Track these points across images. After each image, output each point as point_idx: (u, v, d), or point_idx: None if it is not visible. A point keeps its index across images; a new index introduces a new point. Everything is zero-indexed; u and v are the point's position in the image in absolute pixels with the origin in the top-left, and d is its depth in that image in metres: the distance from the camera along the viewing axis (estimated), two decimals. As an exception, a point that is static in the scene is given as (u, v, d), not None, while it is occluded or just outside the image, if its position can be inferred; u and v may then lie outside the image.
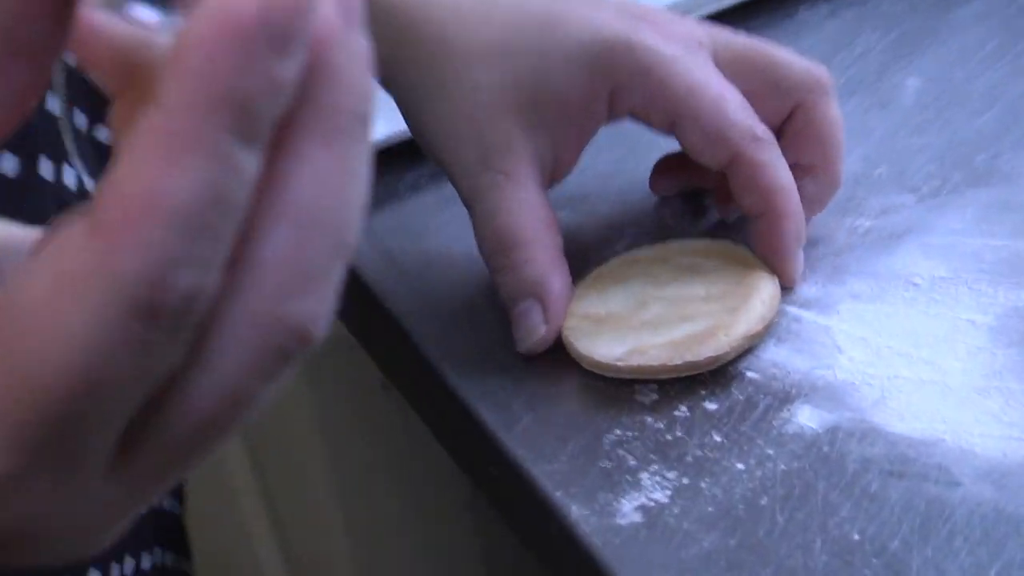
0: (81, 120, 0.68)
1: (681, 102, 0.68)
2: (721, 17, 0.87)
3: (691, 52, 0.68)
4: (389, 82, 0.73)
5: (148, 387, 0.33)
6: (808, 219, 0.71)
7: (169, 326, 0.32)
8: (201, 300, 0.32)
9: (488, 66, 0.70)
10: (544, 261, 0.69)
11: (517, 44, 0.70)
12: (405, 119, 0.74)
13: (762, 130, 0.68)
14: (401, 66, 0.72)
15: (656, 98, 0.69)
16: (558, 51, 0.69)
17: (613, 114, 0.71)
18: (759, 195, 0.69)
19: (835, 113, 0.71)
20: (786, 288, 0.70)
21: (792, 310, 0.70)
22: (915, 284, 0.70)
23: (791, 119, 0.71)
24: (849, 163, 0.77)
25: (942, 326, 0.68)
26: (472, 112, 0.70)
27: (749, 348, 0.68)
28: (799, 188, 0.70)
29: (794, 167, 0.70)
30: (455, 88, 0.70)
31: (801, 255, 0.70)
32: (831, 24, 0.87)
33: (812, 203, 0.71)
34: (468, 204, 0.71)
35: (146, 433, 0.34)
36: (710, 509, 0.62)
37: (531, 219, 0.69)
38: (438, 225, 0.79)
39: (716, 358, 0.66)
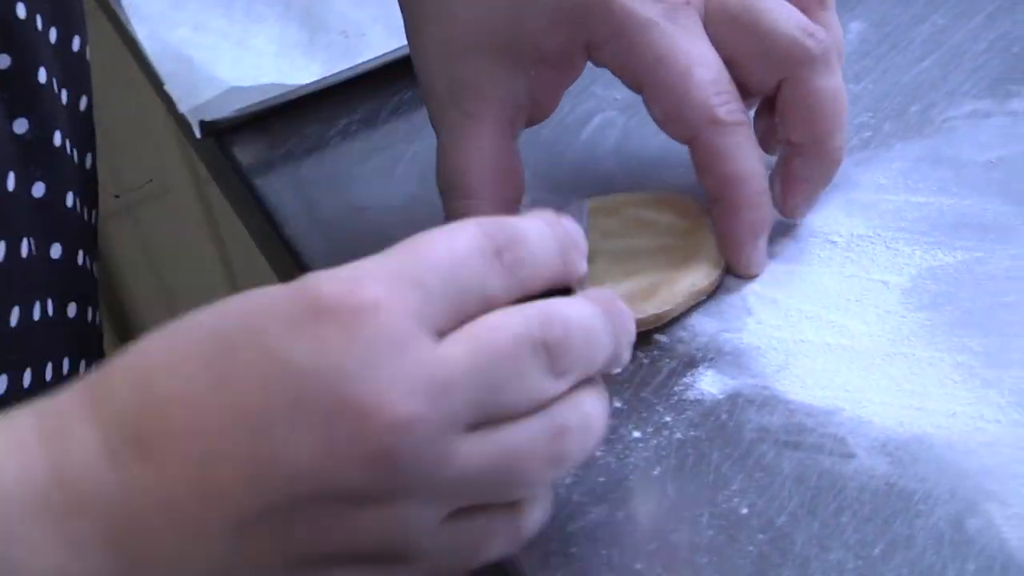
0: None
1: (647, 71, 0.65)
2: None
3: (670, 16, 0.65)
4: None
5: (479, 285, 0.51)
6: (806, 198, 0.69)
7: (503, 252, 0.51)
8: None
9: (468, 3, 0.68)
10: (488, 214, 0.64)
11: None
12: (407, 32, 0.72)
13: (726, 111, 0.65)
14: None
15: (626, 62, 0.67)
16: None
17: (594, 63, 0.69)
18: (715, 181, 0.66)
19: (826, 86, 0.67)
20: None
21: (707, 269, 0.68)
22: (833, 243, 0.69)
23: (780, 92, 0.68)
24: (781, 112, 0.75)
25: (854, 287, 0.67)
26: (448, 45, 0.69)
27: (696, 304, 0.67)
28: (788, 166, 0.68)
29: (787, 143, 0.68)
30: (436, 19, 0.69)
31: (759, 245, 0.68)
32: (781, -38, 0.85)
33: (803, 182, 0.69)
34: (436, 133, 0.69)
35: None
36: (602, 479, 0.61)
37: (485, 168, 0.67)
38: (362, 174, 0.78)
39: (659, 316, 0.66)
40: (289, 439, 0.47)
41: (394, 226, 0.69)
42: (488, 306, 0.51)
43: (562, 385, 0.52)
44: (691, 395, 0.63)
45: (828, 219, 0.70)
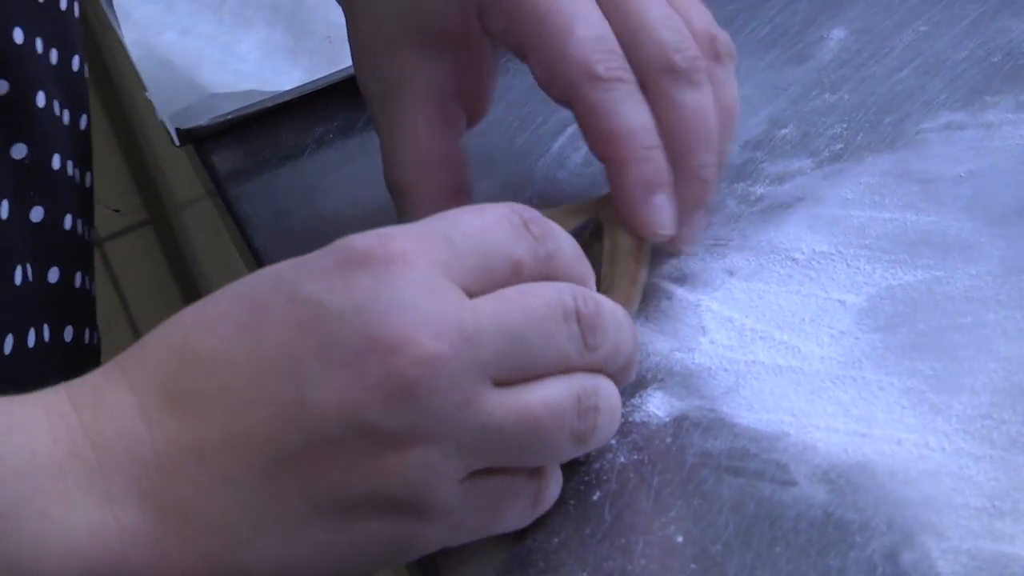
0: None
1: (528, 31, 0.63)
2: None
3: None
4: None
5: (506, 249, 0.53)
6: (680, 220, 0.65)
7: (530, 225, 0.55)
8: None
9: None
10: (429, 206, 0.62)
11: None
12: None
13: (605, 67, 0.62)
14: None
15: (509, 24, 0.64)
16: None
17: (489, 37, 0.67)
18: (597, 140, 0.63)
19: (688, 102, 0.63)
20: (665, 249, 0.68)
21: (665, 285, 0.68)
22: (794, 259, 0.68)
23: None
24: (754, 124, 0.75)
25: (810, 307, 0.66)
26: (372, 42, 0.68)
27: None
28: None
29: None
30: (360, 18, 0.69)
31: (656, 204, 0.63)
32: (769, -34, 0.84)
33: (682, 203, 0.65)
34: (377, 136, 0.69)
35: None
36: (541, 504, 0.60)
37: (422, 161, 0.67)
38: (335, 185, 0.78)
39: None
40: (320, 379, 0.49)
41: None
42: (516, 272, 0.53)
43: (592, 358, 0.54)
44: (637, 417, 0.63)
45: (791, 235, 0.69)
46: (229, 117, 0.80)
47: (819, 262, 0.67)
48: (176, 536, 0.50)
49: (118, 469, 0.50)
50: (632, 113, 0.63)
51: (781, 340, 0.64)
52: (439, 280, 0.51)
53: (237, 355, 0.50)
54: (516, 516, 0.56)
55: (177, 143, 0.80)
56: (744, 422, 0.62)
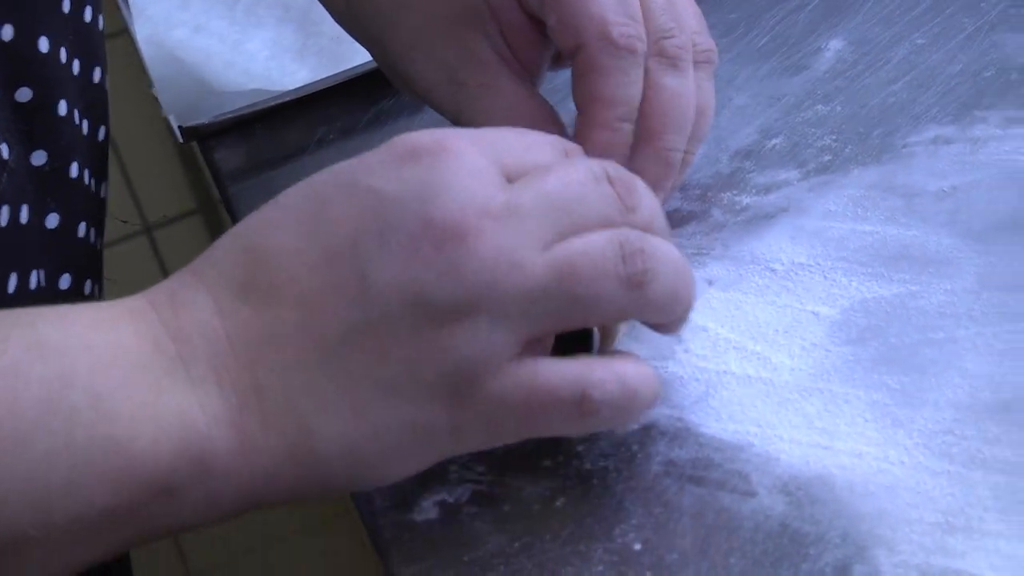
0: None
1: None
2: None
3: None
4: (353, 25, 0.74)
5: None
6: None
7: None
8: None
9: None
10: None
11: None
12: (372, 51, 0.74)
13: (620, 32, 0.64)
14: (359, 8, 0.72)
15: None
16: None
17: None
18: (583, 95, 0.65)
19: (669, 85, 0.65)
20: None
21: (646, 294, 0.68)
22: (773, 270, 0.69)
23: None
24: (745, 134, 0.75)
25: (785, 318, 0.66)
26: (429, 37, 0.69)
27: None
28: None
29: None
30: (407, 19, 0.70)
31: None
32: (773, -25, 0.85)
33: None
34: (458, 123, 0.70)
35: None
36: (506, 508, 0.62)
37: (524, 119, 0.67)
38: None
39: None
40: (380, 261, 0.53)
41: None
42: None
43: (633, 217, 0.57)
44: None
45: (772, 245, 0.69)
46: (232, 115, 0.82)
47: (797, 273, 0.68)
48: (254, 417, 0.53)
49: (198, 359, 0.54)
50: (628, 85, 0.64)
51: (753, 351, 0.65)
52: (487, 168, 0.55)
53: (303, 246, 0.54)
54: (560, 421, 0.57)
55: (181, 140, 0.82)
56: (710, 432, 0.62)
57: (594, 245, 0.55)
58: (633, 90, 0.64)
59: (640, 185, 0.58)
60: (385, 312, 0.53)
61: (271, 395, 0.54)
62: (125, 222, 1.31)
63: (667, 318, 0.59)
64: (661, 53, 0.65)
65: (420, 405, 0.54)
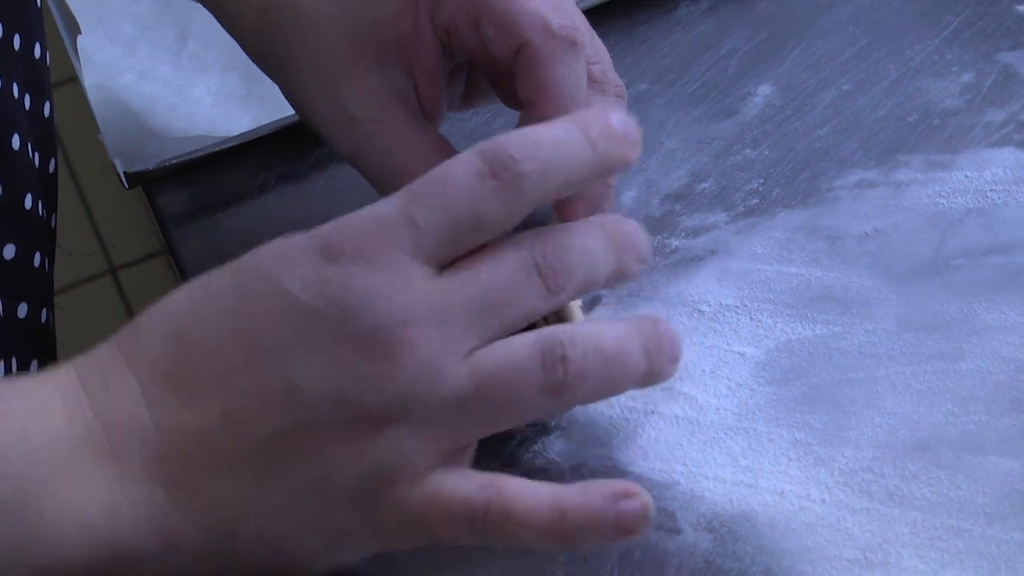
0: None
1: None
2: (598, 10, 0.87)
3: None
4: (260, 55, 0.75)
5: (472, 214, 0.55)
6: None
7: (499, 172, 0.55)
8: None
9: (327, 18, 0.70)
10: None
11: None
12: (278, 84, 0.74)
13: (560, 24, 0.64)
14: (265, 37, 0.73)
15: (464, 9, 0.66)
16: None
17: (446, 42, 0.68)
18: (532, 88, 0.65)
19: (556, 63, 0.64)
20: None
21: (577, 335, 0.70)
22: (700, 312, 0.70)
23: (517, 60, 0.65)
24: (676, 178, 0.77)
25: (712, 358, 0.68)
26: (326, 69, 0.70)
27: None
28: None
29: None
30: (308, 48, 0.71)
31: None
32: (706, 22, 0.87)
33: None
34: (352, 162, 0.70)
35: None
36: (442, 549, 0.63)
37: (416, 157, 0.68)
38: (275, 230, 0.80)
39: None
40: (305, 366, 0.53)
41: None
42: (483, 230, 0.56)
43: (559, 300, 0.57)
44: (539, 463, 0.65)
45: (700, 288, 0.71)
46: (176, 161, 0.83)
47: (724, 315, 0.70)
48: (180, 514, 0.54)
49: (128, 452, 0.54)
50: (572, 77, 0.65)
51: (681, 391, 0.67)
52: (407, 264, 0.54)
53: (227, 345, 0.55)
54: (460, 532, 0.57)
55: (126, 185, 0.83)
56: (638, 470, 0.64)
57: (516, 354, 0.55)
58: (579, 82, 0.65)
59: (569, 258, 0.58)
60: (311, 416, 0.54)
61: (197, 492, 0.54)
62: (70, 253, 1.32)
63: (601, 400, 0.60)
64: (590, 77, 0.66)
65: (339, 508, 0.55)
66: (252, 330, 0.55)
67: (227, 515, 0.55)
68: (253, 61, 0.75)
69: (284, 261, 0.55)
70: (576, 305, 0.65)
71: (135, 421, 0.54)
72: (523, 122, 0.65)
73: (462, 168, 0.56)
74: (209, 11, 0.77)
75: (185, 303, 0.56)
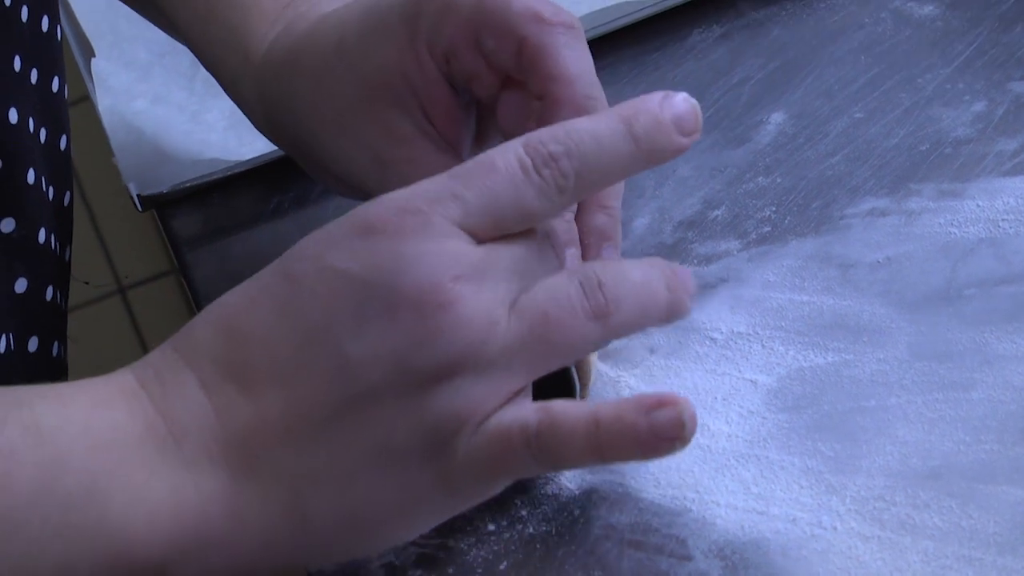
0: None
1: (473, 7, 0.65)
2: (611, 37, 0.87)
3: None
4: (267, 122, 0.75)
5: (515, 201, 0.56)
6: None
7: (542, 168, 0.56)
8: None
9: (330, 71, 0.70)
10: None
11: (345, 31, 0.70)
12: (290, 151, 0.75)
13: (552, 11, 0.64)
14: (270, 102, 0.74)
15: (456, 20, 0.66)
16: (376, 20, 0.69)
17: (445, 71, 0.68)
18: (539, 80, 0.64)
19: (558, 48, 0.64)
20: None
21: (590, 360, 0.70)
22: (713, 339, 0.70)
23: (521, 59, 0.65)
24: (688, 205, 0.77)
25: (723, 385, 0.68)
26: (342, 119, 0.70)
27: None
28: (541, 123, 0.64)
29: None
30: (317, 103, 0.71)
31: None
32: (718, 49, 0.87)
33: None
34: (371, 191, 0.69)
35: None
36: (450, 571, 0.63)
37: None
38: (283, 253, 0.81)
39: None
40: (358, 336, 0.54)
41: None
42: (526, 221, 0.57)
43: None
44: (550, 489, 0.65)
45: (712, 315, 0.71)
46: (189, 184, 0.83)
47: (736, 342, 0.70)
48: (247, 495, 0.54)
49: (189, 439, 0.54)
50: (580, 60, 0.64)
51: (692, 418, 0.66)
52: (451, 231, 0.55)
53: (278, 329, 0.55)
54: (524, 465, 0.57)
55: (140, 208, 0.84)
56: (649, 497, 0.64)
57: (558, 289, 0.56)
58: (586, 64, 0.64)
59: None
60: (368, 385, 0.54)
61: (263, 469, 0.55)
62: (87, 283, 1.33)
63: (644, 329, 0.61)
64: (538, 19, 0.65)
65: (408, 466, 0.56)
66: (300, 311, 0.55)
67: (294, 491, 0.55)
68: (259, 130, 0.76)
69: (328, 242, 0.56)
70: None
71: (195, 411, 0.55)
72: (543, 119, 0.65)
73: (505, 159, 0.56)
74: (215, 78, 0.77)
75: (235, 297, 0.57)
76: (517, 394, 0.56)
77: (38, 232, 0.73)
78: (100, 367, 0.60)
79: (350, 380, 0.54)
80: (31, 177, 0.71)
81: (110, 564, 0.54)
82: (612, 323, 0.56)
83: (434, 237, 0.55)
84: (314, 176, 0.75)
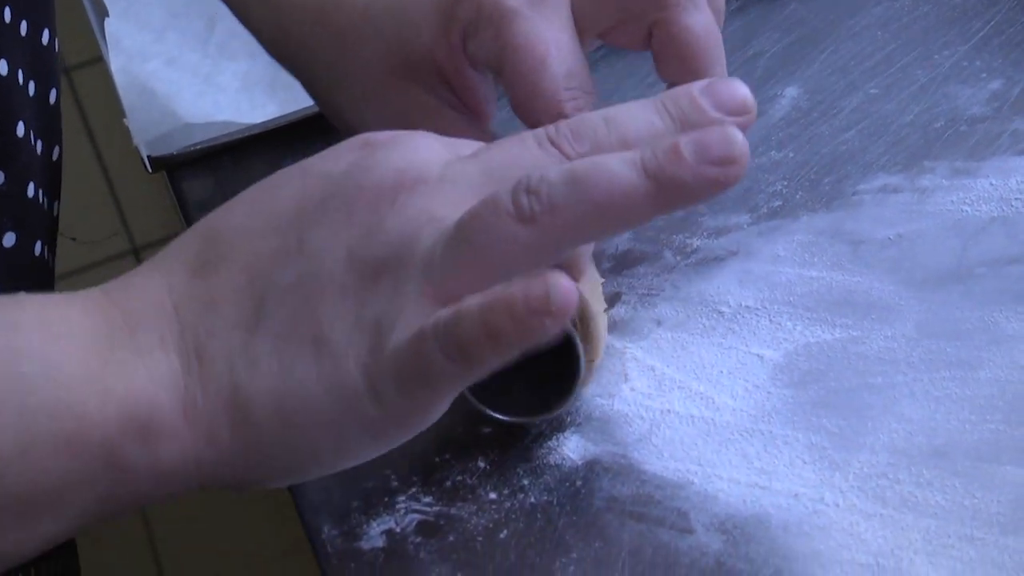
0: None
1: (506, 59, 0.66)
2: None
3: (534, 4, 0.66)
4: (286, 54, 0.76)
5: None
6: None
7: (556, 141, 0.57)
8: None
9: (356, 30, 0.71)
10: None
11: (378, 8, 0.70)
12: (308, 91, 0.77)
13: (573, 106, 0.65)
14: (297, 42, 0.74)
15: (490, 50, 0.67)
16: (412, 5, 0.69)
17: (470, 61, 0.69)
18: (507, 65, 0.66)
19: (695, 23, 0.66)
20: None
21: (596, 332, 0.70)
22: (720, 312, 0.70)
23: (653, 37, 0.67)
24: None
25: (730, 359, 0.68)
26: (379, 83, 0.71)
27: None
28: None
29: (668, 86, 0.66)
30: (354, 63, 0.71)
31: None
32: (734, 23, 0.87)
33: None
34: None
35: None
36: (451, 539, 0.63)
37: None
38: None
39: None
40: (318, 224, 0.56)
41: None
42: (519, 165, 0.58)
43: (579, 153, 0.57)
44: (552, 459, 0.65)
45: (721, 288, 0.71)
46: (200, 147, 0.83)
47: (743, 316, 0.70)
48: (194, 378, 0.56)
49: (145, 328, 0.56)
50: (548, 31, 0.66)
51: (697, 391, 0.67)
52: (435, 146, 0.57)
53: (251, 223, 0.58)
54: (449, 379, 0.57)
55: (150, 170, 0.83)
56: (652, 469, 0.64)
57: (494, 194, 0.55)
58: (567, 45, 0.66)
59: (590, 120, 0.58)
60: (317, 271, 0.56)
61: (210, 356, 0.56)
62: (74, 239, 1.33)
63: (596, 239, 0.60)
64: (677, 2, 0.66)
65: (340, 362, 0.56)
66: (275, 207, 0.58)
67: (237, 376, 0.56)
68: (275, 59, 0.75)
69: (318, 156, 0.59)
70: (599, 288, 0.65)
71: (153, 302, 0.57)
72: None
73: (526, 136, 0.58)
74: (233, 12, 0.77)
75: (223, 208, 0.60)
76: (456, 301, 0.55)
77: (27, 186, 0.73)
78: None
79: (301, 263, 0.56)
80: (20, 130, 0.71)
81: (68, 446, 0.55)
82: (543, 228, 0.54)
83: (415, 144, 0.57)
84: (321, 107, 0.76)
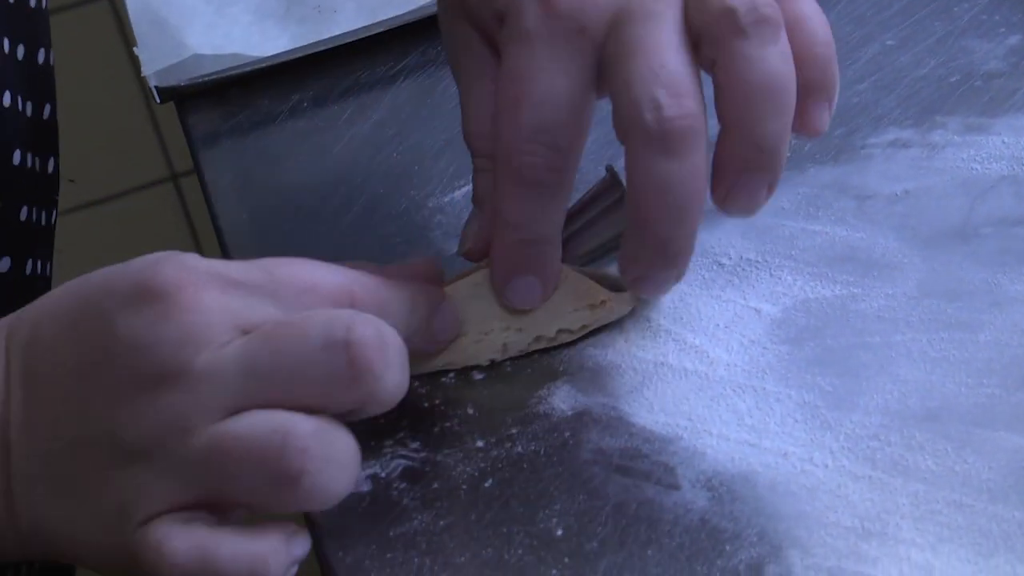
0: None
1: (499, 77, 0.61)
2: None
3: (549, 35, 0.59)
4: None
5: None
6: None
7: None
8: None
9: None
10: (483, 168, 0.68)
11: None
12: None
13: (527, 162, 0.59)
14: None
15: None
16: None
17: None
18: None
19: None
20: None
21: (594, 282, 0.69)
22: (721, 264, 0.69)
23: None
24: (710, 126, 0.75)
25: (727, 313, 0.67)
26: (441, 12, 0.69)
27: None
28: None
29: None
30: None
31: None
32: (754, -34, 0.85)
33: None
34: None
35: None
36: (435, 486, 0.63)
37: (475, 130, 0.69)
38: (300, 153, 0.80)
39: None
40: (104, 392, 0.56)
41: (314, 208, 0.74)
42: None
43: (367, 386, 0.56)
44: (541, 409, 0.64)
45: (723, 240, 0.70)
46: (209, 79, 0.82)
47: (744, 269, 0.69)
48: (9, 494, 0.57)
49: None
50: (538, 72, 0.59)
51: (692, 344, 0.66)
52: (210, 323, 0.55)
53: (63, 349, 0.57)
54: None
55: (159, 100, 0.83)
56: (642, 422, 0.63)
57: (258, 431, 0.54)
58: (560, 94, 0.59)
59: (390, 345, 0.56)
60: (92, 436, 0.56)
61: (17, 475, 0.57)
62: (72, 181, 1.33)
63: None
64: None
65: (97, 530, 0.57)
66: (80, 343, 0.57)
67: (30, 501, 0.57)
68: None
69: (113, 295, 0.56)
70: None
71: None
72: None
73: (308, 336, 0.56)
74: None
75: (50, 302, 0.59)
76: (215, 508, 0.57)
77: (12, 153, 0.72)
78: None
79: (81, 425, 0.56)
80: (7, 99, 0.71)
81: None
82: (294, 492, 0.56)
83: (186, 324, 0.55)
84: None
